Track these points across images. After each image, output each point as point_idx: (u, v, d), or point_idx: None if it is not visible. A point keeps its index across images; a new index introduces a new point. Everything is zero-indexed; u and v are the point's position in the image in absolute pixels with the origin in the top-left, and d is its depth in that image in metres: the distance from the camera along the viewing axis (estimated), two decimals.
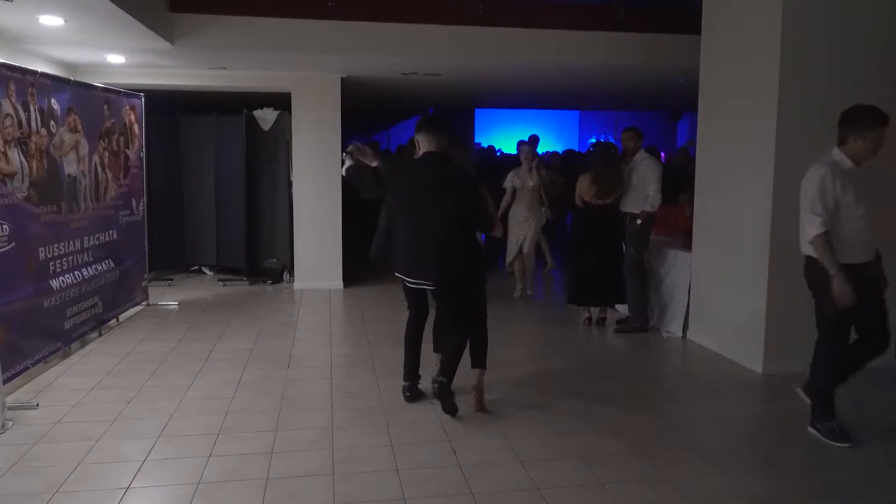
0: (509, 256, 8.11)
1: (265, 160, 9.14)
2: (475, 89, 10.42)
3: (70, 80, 5.96)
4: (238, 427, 4.34)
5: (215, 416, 4.50)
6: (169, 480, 3.67)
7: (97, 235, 6.32)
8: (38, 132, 5.26)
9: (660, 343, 6.44)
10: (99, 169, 6.35)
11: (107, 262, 6.51)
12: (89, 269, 6.14)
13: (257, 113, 9.04)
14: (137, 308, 7.41)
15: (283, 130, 8.93)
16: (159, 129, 9.14)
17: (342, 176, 4.93)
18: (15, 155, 4.92)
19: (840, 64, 5.34)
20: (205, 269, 9.71)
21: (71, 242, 5.82)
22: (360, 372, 5.47)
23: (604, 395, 4.97)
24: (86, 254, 6.09)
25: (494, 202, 5.23)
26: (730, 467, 3.84)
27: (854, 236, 4.13)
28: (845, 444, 4.07)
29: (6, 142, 4.82)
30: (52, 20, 5.51)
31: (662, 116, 17.85)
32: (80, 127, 5.94)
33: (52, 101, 5.49)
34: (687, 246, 6.54)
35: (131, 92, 7.18)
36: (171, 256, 9.55)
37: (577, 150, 15.86)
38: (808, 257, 4.31)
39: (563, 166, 10.96)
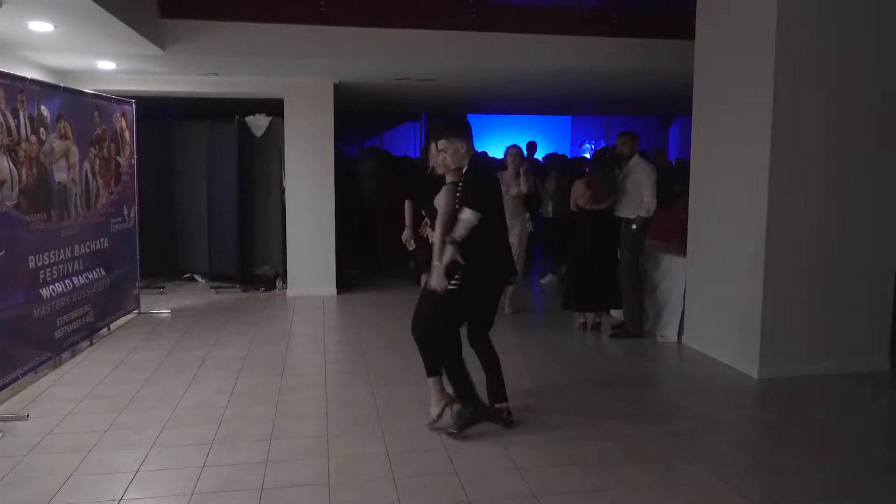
0: None
1: (258, 166, 9.09)
2: (468, 94, 10.38)
3: (60, 87, 5.90)
4: (232, 436, 4.29)
5: (209, 426, 4.45)
6: (162, 492, 3.62)
7: (88, 243, 6.26)
8: (27, 139, 5.20)
9: (655, 348, 6.42)
10: (90, 176, 6.29)
11: (98, 270, 6.45)
12: (80, 277, 6.08)
13: (250, 119, 9.00)
14: (129, 316, 7.34)
15: (275, 136, 8.89)
16: (151, 135, 9.07)
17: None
18: (4, 162, 4.86)
19: (835, 69, 5.34)
20: (197, 277, 9.65)
21: (61, 251, 5.75)
22: (355, 380, 5.43)
23: (600, 402, 4.94)
24: (77, 262, 6.03)
25: None
26: (728, 472, 3.81)
27: None
28: None
29: None
30: (42, 26, 5.46)
31: (654, 121, 17.88)
32: (70, 134, 5.89)
33: (42, 107, 5.43)
34: (682, 251, 6.53)
35: (122, 98, 7.13)
36: (163, 264, 9.47)
37: (568, 155, 15.83)
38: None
39: (563, 169, 10.83)
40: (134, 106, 7.31)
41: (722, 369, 5.70)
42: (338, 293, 8.72)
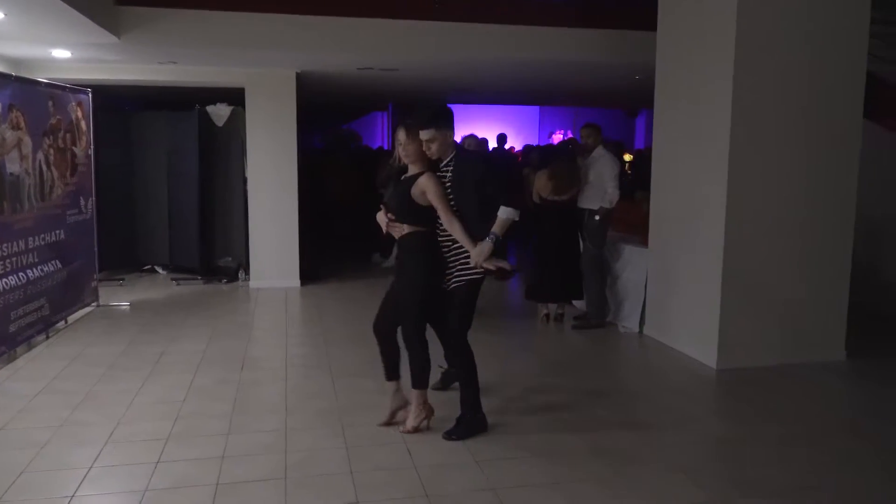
0: None
1: (219, 157, 8.96)
2: (433, 85, 10.34)
3: (11, 76, 5.76)
4: (188, 432, 4.24)
5: (165, 421, 4.39)
6: (115, 488, 3.56)
7: (43, 235, 6.13)
8: None
9: (617, 339, 6.47)
10: (44, 167, 6.16)
11: (54, 262, 6.32)
12: (35, 270, 5.96)
13: (210, 109, 8.87)
14: (87, 309, 7.22)
15: (237, 126, 8.76)
16: (110, 125, 8.89)
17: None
18: None
19: (796, 59, 5.39)
20: (158, 269, 9.51)
21: (15, 243, 5.64)
22: (316, 373, 5.39)
23: (561, 393, 4.97)
24: (31, 254, 5.91)
25: None
26: (685, 463, 3.86)
27: None
28: None
29: None
30: None
31: (621, 113, 17.99)
32: (22, 124, 5.75)
33: None
34: (644, 242, 6.58)
35: (78, 87, 6.98)
36: (123, 256, 9.29)
37: (536, 145, 15.87)
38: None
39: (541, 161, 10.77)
40: (90, 95, 7.17)
41: (682, 359, 5.76)
42: (301, 285, 8.65)
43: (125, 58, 7.53)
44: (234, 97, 8.68)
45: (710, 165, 5.55)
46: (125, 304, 7.58)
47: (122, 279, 8.90)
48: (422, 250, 4.11)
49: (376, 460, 3.86)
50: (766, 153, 5.42)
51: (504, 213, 3.98)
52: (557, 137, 17.98)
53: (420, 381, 4.20)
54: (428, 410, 4.25)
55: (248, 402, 4.75)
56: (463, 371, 4.23)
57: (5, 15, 5.35)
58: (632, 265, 6.76)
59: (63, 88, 6.63)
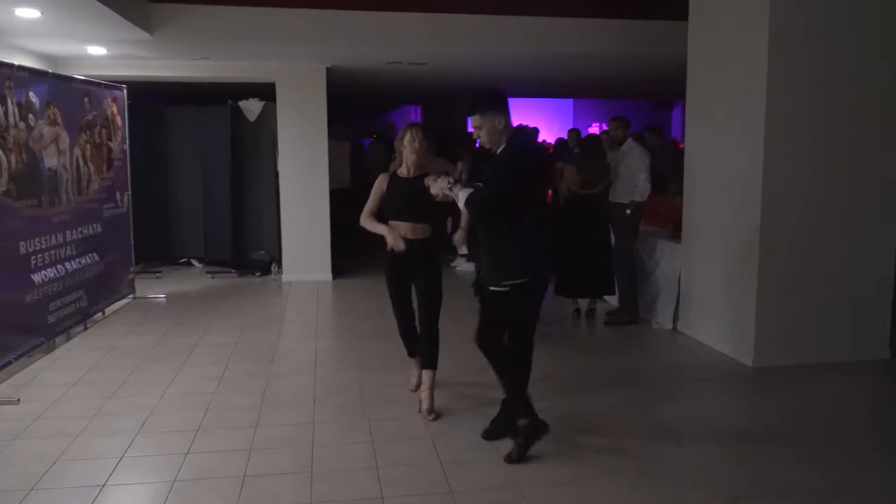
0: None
1: (251, 151, 9.07)
2: (464, 79, 10.31)
3: (48, 73, 5.88)
4: (217, 423, 4.31)
5: (195, 412, 4.46)
6: (144, 478, 3.64)
7: (80, 229, 6.26)
8: (16, 126, 5.19)
9: (649, 335, 6.40)
10: (81, 162, 6.29)
11: (91, 255, 6.45)
12: (73, 262, 6.08)
13: (243, 104, 8.97)
14: (124, 301, 7.36)
15: (269, 121, 8.85)
16: (145, 120, 9.05)
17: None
18: None
19: (834, 46, 5.26)
20: (193, 262, 9.66)
21: (53, 236, 5.76)
22: (344, 367, 5.43)
23: (591, 391, 4.93)
24: (69, 247, 6.04)
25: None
26: (712, 463, 3.81)
27: None
28: None
29: None
30: (28, 12, 5.42)
31: (654, 104, 17.75)
32: (59, 120, 5.87)
33: (31, 94, 5.42)
34: (676, 237, 6.49)
35: (113, 84, 7.10)
36: (160, 249, 9.49)
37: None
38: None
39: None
40: (125, 91, 7.29)
41: (716, 357, 5.67)
42: (333, 278, 8.71)
43: (159, 54, 7.64)
44: (266, 92, 8.76)
45: (745, 158, 5.45)
46: (161, 297, 7.71)
47: (159, 272, 9.05)
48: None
49: (401, 455, 3.87)
50: (803, 144, 5.29)
51: (465, 194, 3.73)
52: (594, 130, 17.82)
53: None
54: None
55: (276, 395, 4.80)
56: (499, 378, 3.98)
57: (42, 13, 5.46)
58: (665, 260, 6.68)
59: (98, 85, 6.75)
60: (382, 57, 7.88)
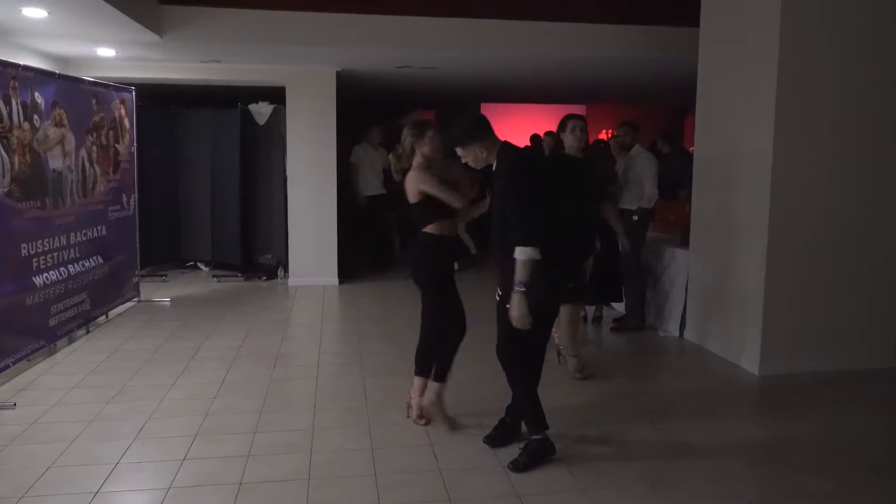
0: None
1: (260, 155, 9.04)
2: (475, 83, 10.26)
3: (55, 74, 5.85)
4: (217, 429, 4.24)
5: (195, 417, 4.40)
6: (140, 485, 3.58)
7: (85, 231, 6.23)
8: (20, 126, 5.16)
9: (656, 342, 6.31)
10: (86, 164, 6.26)
11: (95, 258, 6.42)
12: (76, 265, 6.05)
13: (252, 107, 8.94)
14: (129, 304, 7.33)
15: (278, 125, 8.82)
16: (154, 123, 9.05)
17: None
18: None
19: (841, 60, 5.19)
20: (200, 265, 9.63)
21: (56, 238, 5.72)
22: (348, 371, 5.37)
23: (595, 397, 4.85)
24: (72, 250, 6.00)
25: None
26: (721, 473, 3.72)
27: None
28: None
29: None
30: (35, 12, 5.40)
31: (670, 111, 17.63)
32: (66, 121, 5.84)
33: (37, 94, 5.39)
34: (685, 243, 6.40)
35: (122, 86, 7.08)
36: (167, 252, 9.46)
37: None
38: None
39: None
40: (134, 93, 7.27)
41: (723, 365, 5.58)
42: (340, 283, 8.66)
43: (168, 56, 7.63)
44: (276, 96, 8.73)
45: (753, 165, 5.37)
46: (166, 300, 7.68)
47: (165, 275, 9.03)
48: None
49: (401, 462, 3.80)
50: (812, 152, 5.22)
51: (520, 254, 3.48)
52: (601, 136, 17.71)
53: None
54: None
55: (277, 400, 4.74)
56: (515, 388, 3.92)
57: (49, 13, 5.44)
58: (672, 267, 6.59)
59: (106, 86, 6.73)
60: (392, 61, 7.84)
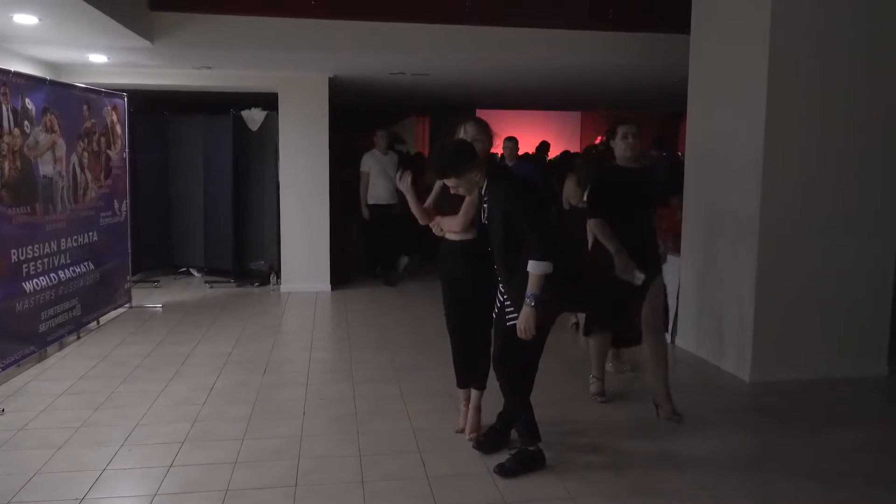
0: None
1: (253, 161, 9.03)
2: (467, 90, 10.29)
3: (46, 80, 5.86)
4: (205, 435, 4.23)
5: (183, 424, 4.39)
6: (125, 492, 3.57)
7: (75, 237, 6.22)
8: (10, 132, 5.16)
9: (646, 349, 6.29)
10: (78, 170, 6.25)
11: (86, 263, 6.41)
12: (67, 271, 6.04)
13: (245, 113, 8.94)
14: (120, 310, 7.31)
15: (271, 131, 8.82)
16: (147, 129, 9.05)
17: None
18: None
19: (832, 64, 5.21)
20: (193, 271, 9.62)
21: (46, 244, 5.71)
22: (337, 378, 5.36)
23: (586, 405, 4.84)
24: (63, 256, 5.99)
25: None
26: (710, 481, 3.71)
27: None
28: None
29: None
30: (26, 19, 5.41)
31: (665, 117, 17.67)
32: (57, 127, 5.84)
33: (27, 100, 5.39)
34: (676, 249, 6.41)
35: (114, 92, 7.08)
36: (159, 258, 9.44)
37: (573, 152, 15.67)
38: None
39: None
40: (126, 99, 7.27)
41: (714, 372, 5.59)
42: (332, 289, 8.65)
43: (160, 62, 7.64)
44: (268, 102, 8.74)
45: (743, 172, 5.38)
46: (158, 306, 7.66)
47: (157, 281, 9.02)
48: None
49: (388, 469, 3.79)
50: (802, 158, 5.24)
51: (534, 268, 3.50)
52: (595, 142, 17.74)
53: None
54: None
55: (266, 407, 4.73)
56: (510, 398, 3.91)
57: (40, 20, 5.44)
58: (663, 274, 6.57)
59: (98, 92, 6.73)
60: (385, 67, 7.86)
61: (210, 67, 7.98)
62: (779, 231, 5.23)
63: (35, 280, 5.52)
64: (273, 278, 8.92)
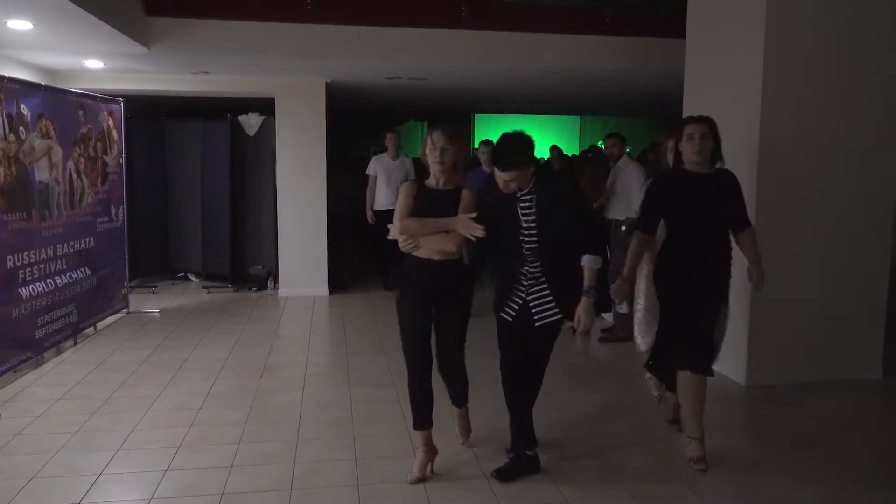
0: None
1: (250, 166, 9.05)
2: (464, 94, 10.31)
3: (41, 86, 5.86)
4: (201, 440, 4.24)
5: (179, 429, 4.39)
6: (120, 496, 3.57)
7: (72, 243, 6.22)
8: (6, 138, 5.17)
9: (644, 353, 6.29)
10: (74, 176, 6.26)
11: (83, 269, 6.41)
12: (63, 276, 6.04)
13: (242, 118, 8.96)
14: (117, 316, 7.31)
15: (268, 136, 8.84)
16: (144, 134, 9.08)
17: None
18: None
19: (826, 68, 5.23)
20: (190, 276, 9.62)
21: (43, 250, 5.72)
22: (334, 382, 5.37)
23: (580, 408, 4.85)
24: (59, 261, 5.99)
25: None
26: (703, 485, 3.72)
27: None
28: None
29: None
30: (20, 24, 5.41)
31: (662, 122, 17.71)
32: (52, 133, 5.85)
33: (22, 106, 5.40)
34: None
35: (110, 97, 7.09)
36: (157, 263, 9.45)
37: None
38: None
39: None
40: (122, 105, 7.27)
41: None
42: (329, 294, 8.66)
43: (156, 68, 7.64)
44: (265, 107, 8.76)
45: (738, 175, 5.36)
46: (155, 311, 7.66)
47: (155, 286, 9.01)
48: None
49: (384, 473, 3.80)
50: (796, 160, 5.25)
51: (593, 262, 3.61)
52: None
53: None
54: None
55: (263, 411, 4.73)
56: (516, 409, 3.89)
57: (34, 25, 5.45)
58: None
59: (94, 98, 6.74)
60: (381, 72, 7.87)
61: (206, 73, 7.99)
62: (773, 233, 5.23)
63: (32, 286, 5.52)
64: (271, 283, 8.93)
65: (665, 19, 7.06)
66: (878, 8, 5.27)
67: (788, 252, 5.27)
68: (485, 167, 6.96)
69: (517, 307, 3.75)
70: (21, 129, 5.37)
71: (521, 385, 3.86)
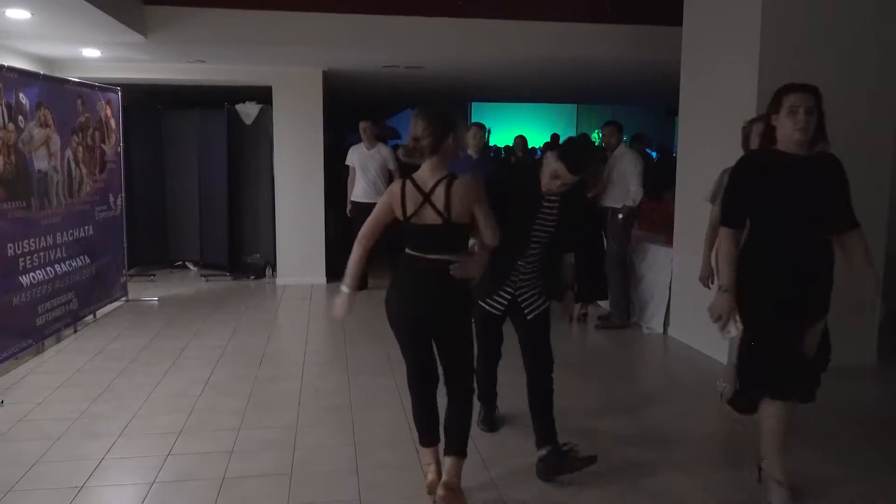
0: None
1: (248, 155, 9.06)
2: (462, 82, 10.31)
3: (39, 75, 5.88)
4: (201, 426, 4.28)
5: (179, 415, 4.43)
6: (123, 480, 3.62)
7: (71, 231, 6.25)
8: (5, 127, 5.19)
9: (640, 340, 6.37)
10: (72, 164, 6.28)
11: (82, 257, 6.44)
12: (63, 265, 6.07)
13: (239, 107, 8.97)
14: (116, 304, 7.34)
15: (265, 125, 8.85)
16: (142, 123, 9.09)
17: None
18: None
19: (823, 55, 5.23)
20: (189, 265, 9.64)
21: (42, 238, 5.75)
22: (332, 370, 5.41)
23: (579, 397, 4.87)
24: (59, 250, 6.02)
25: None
26: (700, 469, 3.76)
27: None
28: None
29: None
30: (18, 13, 5.41)
31: (660, 112, 17.74)
32: (51, 122, 5.87)
33: (21, 95, 5.42)
34: (669, 242, 6.46)
35: (107, 86, 7.10)
36: (156, 251, 9.48)
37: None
38: None
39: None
40: (119, 94, 7.28)
41: (706, 362, 5.63)
42: (327, 282, 8.69)
43: (154, 57, 7.65)
44: (263, 95, 8.76)
45: (732, 163, 5.41)
46: (154, 300, 7.70)
47: (154, 275, 9.04)
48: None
49: (382, 458, 3.84)
50: None
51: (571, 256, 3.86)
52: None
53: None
54: None
55: (262, 398, 4.77)
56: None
57: (32, 14, 5.46)
58: (656, 265, 6.65)
59: (92, 87, 6.75)
60: (379, 60, 7.88)
61: (203, 61, 7.99)
62: None
63: (31, 274, 5.55)
64: (269, 271, 8.97)
65: (662, 7, 7.06)
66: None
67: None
68: (471, 153, 6.83)
69: (506, 302, 3.78)
70: (20, 118, 5.39)
71: (533, 375, 3.90)
